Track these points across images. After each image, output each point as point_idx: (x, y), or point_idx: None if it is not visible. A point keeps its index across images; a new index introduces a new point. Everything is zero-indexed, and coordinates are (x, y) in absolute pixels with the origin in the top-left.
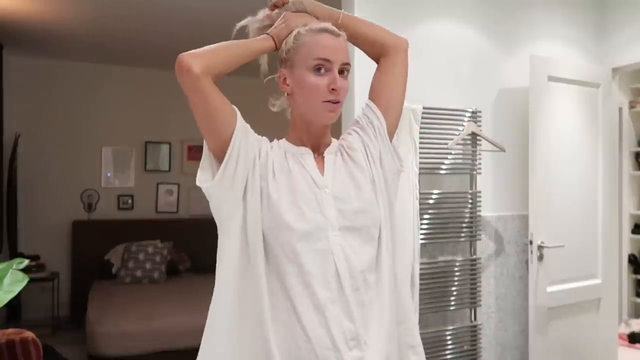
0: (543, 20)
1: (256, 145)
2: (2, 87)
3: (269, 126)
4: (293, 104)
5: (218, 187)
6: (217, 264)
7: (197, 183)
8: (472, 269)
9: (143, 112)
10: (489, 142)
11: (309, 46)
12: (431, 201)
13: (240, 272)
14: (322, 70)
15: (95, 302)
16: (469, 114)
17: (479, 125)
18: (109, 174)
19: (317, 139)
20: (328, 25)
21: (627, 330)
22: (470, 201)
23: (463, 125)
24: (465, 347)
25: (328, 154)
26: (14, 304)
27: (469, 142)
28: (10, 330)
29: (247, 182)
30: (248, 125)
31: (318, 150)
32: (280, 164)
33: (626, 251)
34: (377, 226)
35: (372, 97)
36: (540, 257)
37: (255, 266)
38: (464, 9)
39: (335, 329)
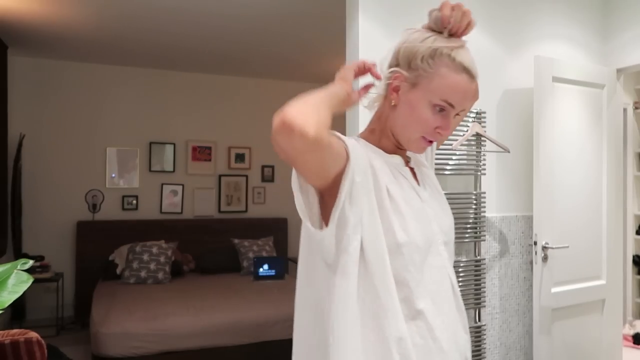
0: (547, 21)
1: (368, 168)
2: (6, 87)
3: (268, 126)
4: (391, 114)
5: (332, 231)
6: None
7: (305, 221)
8: (477, 270)
9: (148, 112)
10: (494, 142)
11: (443, 81)
12: None
13: (360, 300)
14: (440, 110)
15: (99, 303)
16: (474, 115)
17: (484, 126)
18: (113, 175)
19: (402, 150)
20: (471, 63)
21: (632, 331)
22: (474, 202)
23: (467, 126)
24: None
25: (415, 166)
26: (19, 305)
27: (473, 142)
28: (15, 330)
29: (365, 207)
30: (358, 151)
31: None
32: (389, 174)
33: (630, 252)
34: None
35: None
36: (545, 258)
37: (384, 290)
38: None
39: (461, 341)
